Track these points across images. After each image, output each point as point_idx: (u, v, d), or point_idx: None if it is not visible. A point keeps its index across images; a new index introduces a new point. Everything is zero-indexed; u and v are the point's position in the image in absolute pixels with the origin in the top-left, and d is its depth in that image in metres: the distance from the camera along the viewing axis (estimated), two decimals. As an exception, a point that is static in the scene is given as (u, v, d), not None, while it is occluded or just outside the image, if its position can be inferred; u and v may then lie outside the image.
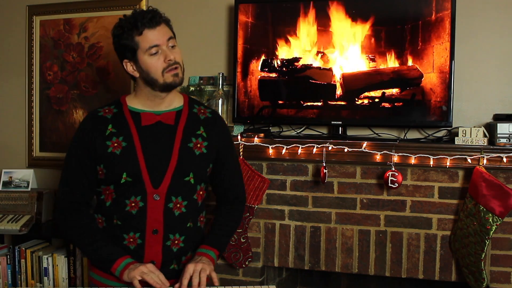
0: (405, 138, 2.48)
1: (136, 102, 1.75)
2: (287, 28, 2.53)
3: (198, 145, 1.73)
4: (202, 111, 1.81)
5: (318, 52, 2.50)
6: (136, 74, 1.70)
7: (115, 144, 1.68)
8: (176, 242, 1.70)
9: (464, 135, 2.23)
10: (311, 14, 2.49)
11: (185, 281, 1.57)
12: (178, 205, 1.69)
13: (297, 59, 2.52)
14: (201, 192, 1.77)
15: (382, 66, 2.41)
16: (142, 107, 1.74)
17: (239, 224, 1.92)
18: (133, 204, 1.66)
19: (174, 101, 1.77)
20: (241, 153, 2.45)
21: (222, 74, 2.63)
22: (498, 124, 2.20)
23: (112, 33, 1.70)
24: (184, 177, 1.70)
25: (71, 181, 1.72)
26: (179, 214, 1.70)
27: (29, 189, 2.98)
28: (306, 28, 2.50)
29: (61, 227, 1.75)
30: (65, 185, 1.73)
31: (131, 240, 1.68)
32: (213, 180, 1.86)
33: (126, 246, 1.68)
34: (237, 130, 2.61)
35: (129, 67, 1.70)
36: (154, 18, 1.64)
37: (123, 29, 1.64)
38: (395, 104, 2.40)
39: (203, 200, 1.81)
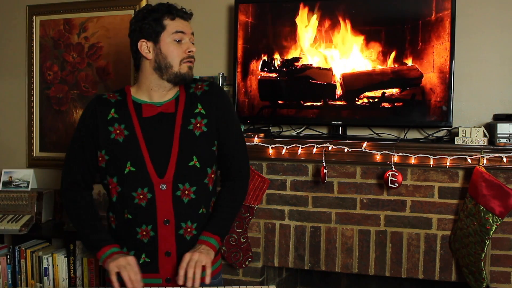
0: (405, 138, 2.48)
1: (139, 93, 1.75)
2: (287, 28, 2.53)
3: (198, 125, 1.71)
4: (199, 86, 1.77)
5: (318, 52, 2.50)
6: (150, 56, 1.69)
7: (117, 131, 1.68)
8: (188, 230, 1.68)
9: (464, 135, 2.23)
10: (311, 14, 2.49)
11: (181, 272, 1.56)
12: (186, 192, 1.68)
13: (297, 59, 2.52)
14: (212, 175, 1.74)
15: (382, 66, 2.41)
16: (144, 98, 1.73)
17: (241, 203, 1.86)
18: (141, 196, 1.66)
19: (172, 91, 1.75)
20: (241, 153, 2.45)
21: (222, 74, 2.63)
22: (498, 124, 2.20)
23: (137, 12, 1.74)
24: (188, 162, 1.68)
25: (72, 163, 1.74)
26: (188, 201, 1.68)
27: (29, 189, 2.98)
28: (306, 28, 2.50)
29: (64, 206, 1.80)
30: (67, 166, 1.76)
31: (144, 233, 1.67)
32: (217, 157, 1.81)
33: (139, 240, 1.68)
34: (237, 130, 2.61)
35: (144, 47, 1.69)
36: (186, 13, 1.73)
37: (155, 10, 1.68)
38: (395, 104, 2.40)
39: (215, 183, 1.78)
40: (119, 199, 1.70)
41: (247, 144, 2.41)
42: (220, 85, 2.59)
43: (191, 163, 1.68)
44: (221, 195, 1.81)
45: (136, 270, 1.58)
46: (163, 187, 1.66)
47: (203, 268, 1.58)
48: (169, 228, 1.67)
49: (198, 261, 1.57)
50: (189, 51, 1.70)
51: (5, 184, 3.01)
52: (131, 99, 1.74)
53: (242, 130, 2.59)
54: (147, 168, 1.66)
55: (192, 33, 1.73)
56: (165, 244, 1.67)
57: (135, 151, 1.67)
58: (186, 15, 1.72)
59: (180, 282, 1.56)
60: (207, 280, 1.58)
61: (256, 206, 2.48)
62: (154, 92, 1.72)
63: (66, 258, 2.74)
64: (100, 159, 1.70)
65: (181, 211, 1.68)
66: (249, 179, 1.89)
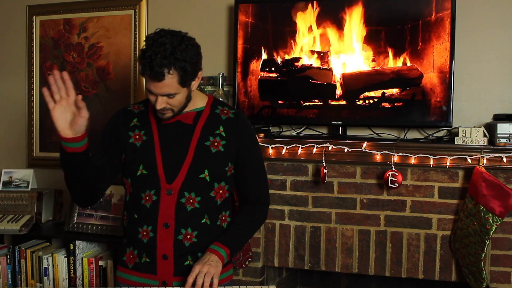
0: (405, 138, 2.48)
1: None
2: (287, 28, 2.53)
3: (216, 144, 1.75)
4: (225, 111, 1.81)
5: (318, 52, 2.50)
6: None
7: (137, 137, 1.76)
8: (188, 236, 1.71)
9: (464, 135, 2.23)
10: (311, 14, 2.49)
11: (190, 280, 1.58)
12: (191, 201, 1.71)
13: (297, 59, 2.52)
14: (220, 191, 1.77)
15: (382, 66, 2.41)
16: None
17: (259, 226, 1.90)
18: (147, 198, 1.71)
19: (196, 102, 1.78)
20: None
21: (222, 74, 2.63)
22: (498, 124, 2.20)
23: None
24: (199, 174, 1.72)
25: (94, 147, 1.77)
26: (191, 209, 1.71)
27: (29, 189, 2.98)
28: (306, 28, 2.50)
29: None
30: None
31: (144, 233, 1.71)
32: (236, 181, 1.85)
33: (140, 240, 1.72)
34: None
35: None
36: (156, 76, 1.58)
37: (142, 48, 1.64)
38: (395, 104, 2.40)
39: (226, 200, 1.81)
40: (131, 199, 1.78)
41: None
42: (220, 85, 2.60)
43: (202, 175, 1.72)
44: (239, 214, 1.85)
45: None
46: (169, 192, 1.70)
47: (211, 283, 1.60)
48: (169, 231, 1.70)
49: (208, 273, 1.59)
50: (158, 109, 1.66)
51: (5, 184, 3.01)
52: (152, 107, 1.78)
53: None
54: (158, 172, 1.71)
55: (165, 94, 1.63)
56: (162, 247, 1.70)
57: (149, 155, 1.73)
58: (156, 79, 1.58)
59: None
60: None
61: (256, 206, 2.48)
62: None
63: (66, 258, 2.74)
64: (123, 161, 1.78)
65: (183, 217, 1.71)
66: (268, 206, 1.92)
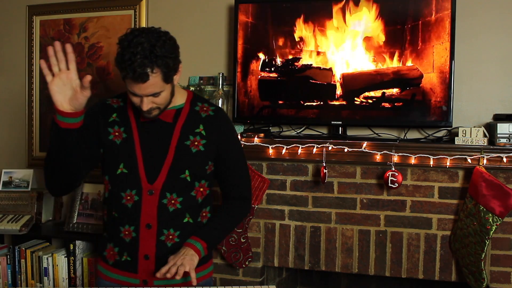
0: (405, 138, 2.48)
1: None
2: (287, 28, 2.53)
3: (196, 143, 1.74)
4: (205, 108, 1.80)
5: (318, 52, 2.50)
6: None
7: (116, 133, 1.73)
8: (170, 237, 1.72)
9: (464, 135, 2.23)
10: (311, 14, 2.49)
11: (163, 269, 1.57)
12: (172, 201, 1.71)
13: (297, 59, 2.52)
14: (201, 189, 1.77)
15: (382, 66, 2.41)
16: None
17: (240, 220, 1.91)
18: (128, 198, 1.70)
19: (175, 99, 1.75)
20: (241, 153, 2.45)
21: (222, 74, 2.63)
22: (498, 124, 2.20)
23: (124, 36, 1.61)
24: (180, 174, 1.72)
25: None
26: (173, 210, 1.71)
27: (29, 189, 2.98)
28: (306, 28, 2.50)
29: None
30: None
31: (127, 233, 1.72)
32: (217, 178, 1.86)
33: (122, 239, 1.73)
34: (237, 130, 2.61)
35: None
36: (141, 78, 1.53)
37: (120, 60, 1.55)
38: (395, 104, 2.40)
39: (207, 196, 1.81)
40: (110, 197, 1.76)
41: (247, 144, 2.43)
42: (220, 85, 2.60)
43: (183, 176, 1.72)
44: (219, 208, 1.86)
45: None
46: (151, 192, 1.70)
47: (185, 273, 1.59)
48: (151, 232, 1.70)
49: (182, 265, 1.58)
50: (143, 110, 1.62)
51: (5, 184, 3.00)
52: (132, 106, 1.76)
53: (242, 130, 2.60)
54: (139, 172, 1.70)
55: (155, 93, 1.59)
56: (145, 247, 1.70)
57: (129, 154, 1.71)
58: (139, 80, 1.54)
59: (158, 275, 1.58)
60: (194, 282, 1.58)
61: (256, 206, 2.48)
62: None
63: (66, 258, 2.74)
64: (101, 155, 1.76)
65: (165, 218, 1.71)
66: (251, 201, 1.93)
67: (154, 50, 1.52)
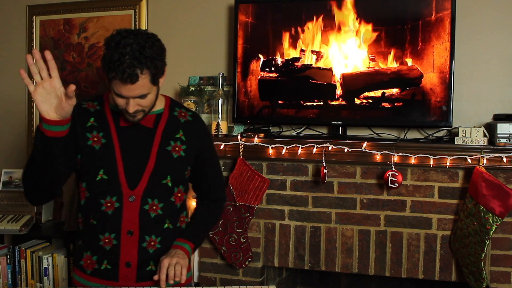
0: (405, 138, 2.48)
1: None
2: (287, 28, 2.53)
3: (177, 148, 1.73)
4: (182, 114, 1.80)
5: (318, 52, 2.50)
6: None
7: (95, 139, 1.67)
8: (152, 243, 1.70)
9: (464, 135, 2.23)
10: (311, 14, 2.49)
11: (162, 276, 1.57)
12: (154, 207, 1.69)
13: (297, 59, 2.52)
14: (179, 194, 1.77)
15: (382, 66, 2.41)
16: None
17: (217, 219, 1.96)
18: (108, 205, 1.66)
19: (157, 107, 1.74)
20: (241, 153, 2.45)
21: (222, 74, 2.63)
22: (498, 124, 2.20)
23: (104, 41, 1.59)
24: (161, 180, 1.70)
25: None
26: (155, 216, 1.70)
27: (29, 189, 2.98)
28: (306, 28, 2.50)
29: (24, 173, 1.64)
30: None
31: (107, 240, 1.67)
32: (194, 181, 1.87)
33: (102, 247, 1.68)
34: (237, 130, 2.61)
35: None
36: (130, 79, 1.50)
37: (105, 51, 1.53)
38: (395, 104, 2.40)
39: (184, 202, 1.82)
40: (87, 204, 1.70)
41: (247, 144, 2.43)
42: (220, 85, 2.60)
43: (164, 181, 1.71)
44: (197, 209, 1.89)
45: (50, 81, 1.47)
46: (132, 198, 1.67)
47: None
48: (133, 239, 1.67)
49: (177, 263, 1.59)
50: (128, 113, 1.59)
51: (5, 184, 3.00)
52: (108, 107, 1.72)
53: (242, 130, 2.60)
54: (119, 178, 1.66)
55: (142, 95, 1.57)
56: (126, 254, 1.67)
57: (109, 160, 1.66)
58: (127, 81, 1.51)
59: (163, 285, 1.58)
60: (183, 279, 1.60)
61: (256, 206, 2.48)
62: None
63: (66, 258, 2.74)
64: (78, 162, 1.69)
65: (146, 225, 1.68)
66: (225, 201, 2.00)
67: (144, 51, 1.50)
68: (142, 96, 1.57)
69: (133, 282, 1.69)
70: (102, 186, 1.66)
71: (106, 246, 1.67)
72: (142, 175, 1.67)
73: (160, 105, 1.76)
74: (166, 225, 1.73)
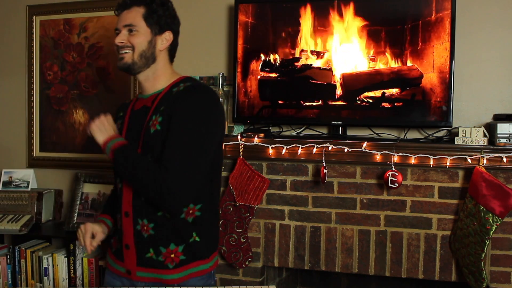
0: (405, 138, 2.48)
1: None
2: (287, 28, 2.53)
3: (154, 122, 1.63)
4: (181, 86, 1.66)
5: (318, 52, 2.50)
6: None
7: (119, 124, 1.80)
8: (145, 228, 1.66)
9: (464, 135, 2.23)
10: (311, 14, 2.49)
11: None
12: None
13: (297, 59, 2.52)
14: None
15: (382, 66, 2.41)
16: (141, 92, 1.80)
17: (145, 175, 1.57)
18: (119, 185, 1.74)
19: (160, 83, 1.73)
20: (241, 153, 2.45)
21: (222, 74, 2.63)
22: (498, 124, 2.20)
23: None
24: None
25: None
26: (146, 199, 1.65)
27: (29, 189, 2.98)
28: (306, 28, 2.50)
29: None
30: None
31: (117, 221, 1.78)
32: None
33: (116, 227, 1.81)
34: (237, 130, 2.61)
35: None
36: (124, 3, 1.69)
37: None
38: (395, 104, 2.40)
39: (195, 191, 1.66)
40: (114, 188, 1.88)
41: (247, 144, 2.43)
42: (220, 85, 2.59)
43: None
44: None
45: (88, 237, 1.74)
46: None
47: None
48: (129, 220, 1.69)
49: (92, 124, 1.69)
50: (115, 44, 1.71)
51: (5, 184, 3.01)
52: (134, 100, 1.83)
53: (242, 130, 2.60)
54: None
55: (128, 25, 1.69)
56: (126, 236, 1.71)
57: None
58: (120, 7, 1.71)
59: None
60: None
61: (256, 206, 2.48)
62: (141, 84, 1.78)
63: (66, 258, 2.74)
64: None
65: (139, 206, 1.67)
66: (168, 174, 1.56)
67: None
68: (131, 30, 1.67)
69: (134, 266, 1.70)
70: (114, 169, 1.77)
71: (118, 225, 1.77)
72: None
73: (164, 84, 1.72)
74: (160, 213, 1.64)
